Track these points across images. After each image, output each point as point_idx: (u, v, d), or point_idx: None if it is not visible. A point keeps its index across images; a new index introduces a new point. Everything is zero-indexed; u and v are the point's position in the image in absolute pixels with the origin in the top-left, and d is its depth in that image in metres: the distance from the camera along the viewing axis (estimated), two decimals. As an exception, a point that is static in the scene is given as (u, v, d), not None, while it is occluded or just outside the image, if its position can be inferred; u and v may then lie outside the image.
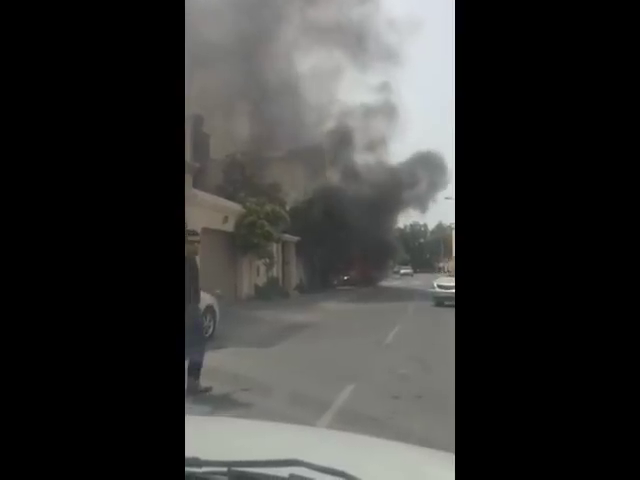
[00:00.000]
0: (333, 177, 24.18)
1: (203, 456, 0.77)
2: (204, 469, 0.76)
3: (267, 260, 17.04)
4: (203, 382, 4.31)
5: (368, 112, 23.84)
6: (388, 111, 24.28)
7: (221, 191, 17.05)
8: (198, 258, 4.87)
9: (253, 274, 16.87)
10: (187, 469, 0.73)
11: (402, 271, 49.11)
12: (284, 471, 0.73)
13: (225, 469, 0.76)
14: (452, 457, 1.23)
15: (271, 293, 16.23)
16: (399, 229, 43.66)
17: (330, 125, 23.35)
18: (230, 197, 16.48)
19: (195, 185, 13.21)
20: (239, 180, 18.18)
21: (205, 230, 13.27)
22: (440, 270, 59.56)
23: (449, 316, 8.87)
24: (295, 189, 20.33)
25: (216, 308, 7.93)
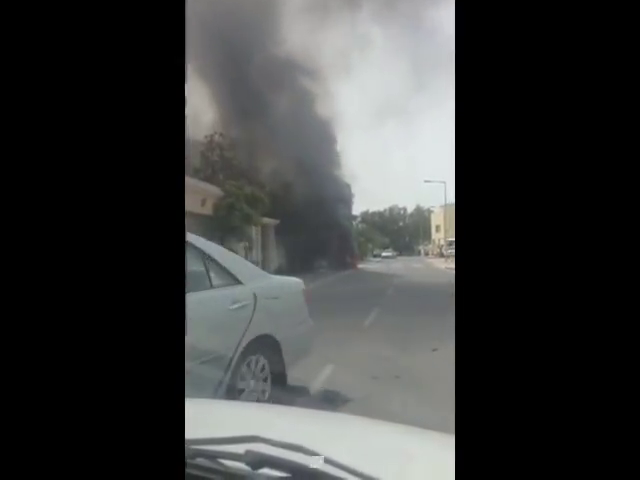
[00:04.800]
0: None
1: None
2: None
3: (246, 243, 16.93)
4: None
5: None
6: None
7: (199, 173, 16.80)
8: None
9: (232, 257, 16.74)
10: None
11: (383, 254, 49.75)
12: (242, 448, 0.69)
13: None
14: (424, 432, 1.25)
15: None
16: (378, 212, 43.81)
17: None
18: (208, 179, 16.26)
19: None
20: (218, 162, 17.95)
21: (182, 213, 13.08)
22: (420, 253, 60.55)
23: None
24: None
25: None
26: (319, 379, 4.38)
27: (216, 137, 18.38)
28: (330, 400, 3.70)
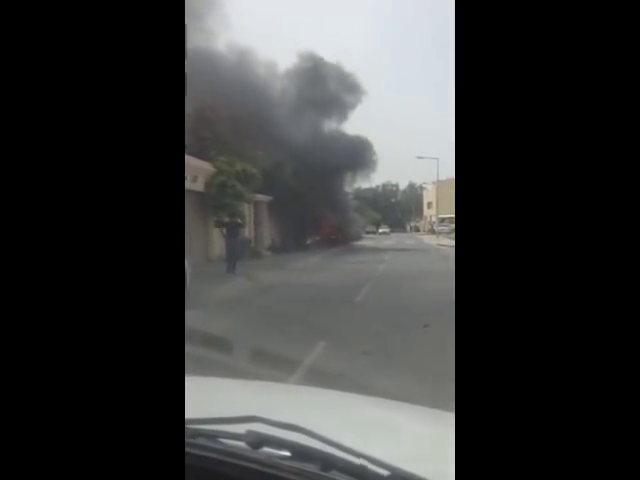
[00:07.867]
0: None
1: None
2: None
3: (238, 220, 16.82)
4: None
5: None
6: None
7: (189, 149, 16.53)
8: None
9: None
10: None
11: (380, 230, 51.05)
12: (242, 428, 0.71)
13: None
14: (412, 407, 1.28)
15: (243, 254, 16.10)
16: (371, 188, 43.70)
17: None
18: (199, 155, 16.04)
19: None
20: (208, 137, 17.66)
21: (174, 189, 12.89)
22: (411, 230, 60.71)
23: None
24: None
25: (187, 268, 7.84)
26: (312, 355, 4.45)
27: (206, 111, 18.05)
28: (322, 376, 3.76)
